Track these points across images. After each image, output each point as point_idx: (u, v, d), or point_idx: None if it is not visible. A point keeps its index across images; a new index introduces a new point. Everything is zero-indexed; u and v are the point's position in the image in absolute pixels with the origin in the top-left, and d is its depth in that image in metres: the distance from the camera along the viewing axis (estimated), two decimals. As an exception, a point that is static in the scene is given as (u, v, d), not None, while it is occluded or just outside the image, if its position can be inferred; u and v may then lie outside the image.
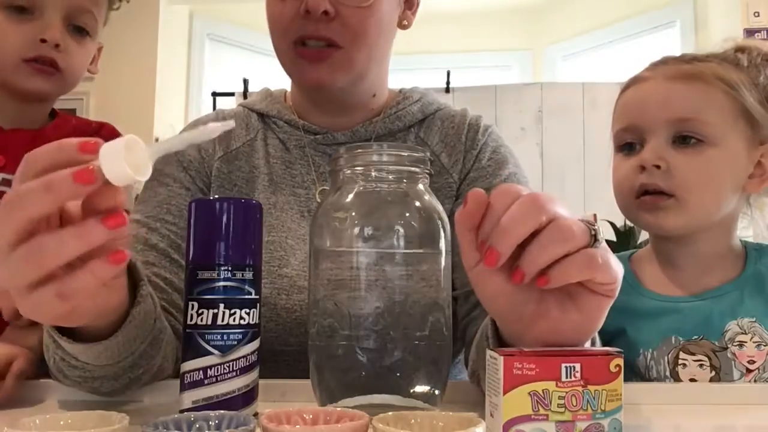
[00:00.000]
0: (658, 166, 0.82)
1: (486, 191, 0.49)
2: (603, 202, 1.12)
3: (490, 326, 0.57)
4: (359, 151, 0.59)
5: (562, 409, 0.47)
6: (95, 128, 1.09)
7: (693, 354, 0.82)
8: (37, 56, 0.99)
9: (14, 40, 0.98)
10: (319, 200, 0.88)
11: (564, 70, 4.12)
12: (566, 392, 0.47)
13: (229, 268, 0.54)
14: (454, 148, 0.89)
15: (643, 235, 0.97)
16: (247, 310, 0.54)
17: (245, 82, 3.29)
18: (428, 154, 0.60)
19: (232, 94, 3.33)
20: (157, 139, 3.20)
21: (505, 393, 0.46)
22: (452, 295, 0.61)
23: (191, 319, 0.53)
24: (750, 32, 3.13)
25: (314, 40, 0.81)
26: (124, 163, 0.43)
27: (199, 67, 3.93)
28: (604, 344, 0.60)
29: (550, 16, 4.20)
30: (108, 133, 1.09)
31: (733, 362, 0.81)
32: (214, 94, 3.44)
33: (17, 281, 0.45)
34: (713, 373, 0.81)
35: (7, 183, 0.97)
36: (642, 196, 0.84)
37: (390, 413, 0.47)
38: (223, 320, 0.53)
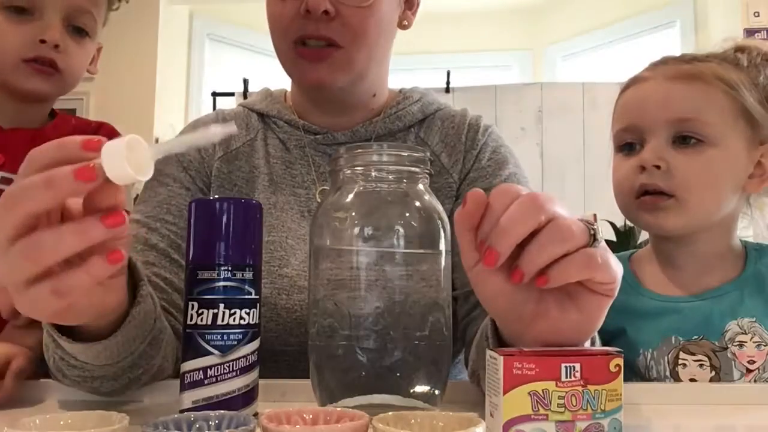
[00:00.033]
0: (658, 167, 0.82)
1: (486, 191, 0.49)
2: (603, 202, 1.12)
3: (489, 326, 0.57)
4: (359, 151, 0.59)
5: (562, 409, 0.47)
6: (94, 128, 1.09)
7: (693, 354, 0.82)
8: (36, 56, 0.99)
9: (14, 40, 0.98)
10: (319, 200, 0.88)
11: (564, 70, 4.12)
12: (566, 392, 0.47)
13: (229, 268, 0.54)
14: (454, 148, 0.89)
15: (643, 235, 0.97)
16: (247, 310, 0.54)
17: (245, 82, 3.29)
18: (428, 154, 0.60)
19: (232, 94, 3.33)
20: (157, 140, 3.21)
21: (505, 393, 0.46)
22: (452, 295, 0.61)
23: (191, 319, 0.53)
24: (750, 32, 3.13)
25: (314, 39, 0.81)
26: (125, 163, 0.43)
27: (199, 67, 3.93)
28: (604, 344, 0.60)
29: (550, 16, 4.20)
30: (107, 132, 1.09)
31: (733, 362, 0.81)
32: (214, 94, 3.44)
33: (15, 276, 0.45)
34: (713, 373, 0.81)
35: (7, 181, 0.97)
36: (642, 197, 0.84)
37: (390, 413, 0.47)
38: (223, 320, 0.53)
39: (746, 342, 0.82)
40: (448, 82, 3.27)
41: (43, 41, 0.98)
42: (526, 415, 0.46)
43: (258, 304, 0.56)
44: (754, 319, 0.82)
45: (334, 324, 0.56)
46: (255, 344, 0.55)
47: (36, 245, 0.44)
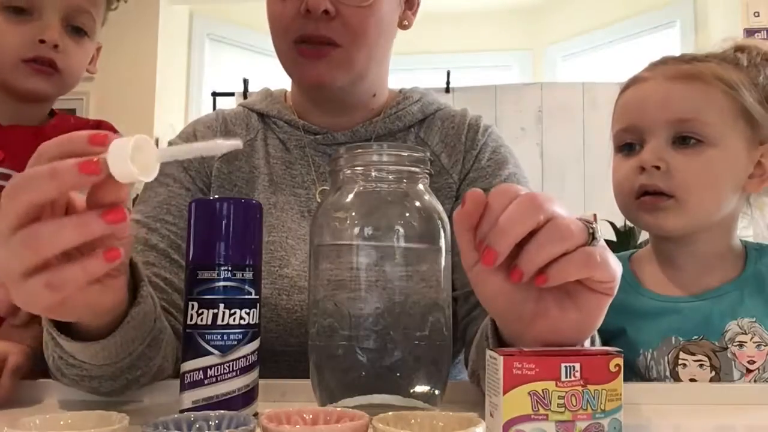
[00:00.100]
0: (657, 167, 0.82)
1: (485, 191, 0.50)
2: (603, 202, 1.12)
3: (489, 326, 0.57)
4: (359, 151, 0.59)
5: (562, 409, 0.47)
6: (93, 126, 1.10)
7: (693, 354, 0.82)
8: (35, 56, 0.99)
9: (13, 40, 0.98)
10: (319, 200, 0.88)
11: (564, 70, 4.12)
12: (566, 392, 0.47)
13: (229, 268, 0.54)
14: (454, 149, 0.89)
15: (643, 235, 0.97)
16: (247, 310, 0.54)
17: (245, 82, 3.29)
18: (428, 154, 0.60)
19: (232, 94, 3.34)
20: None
21: (504, 393, 0.46)
22: (452, 295, 0.61)
23: (191, 319, 0.53)
24: (750, 32, 3.13)
25: (314, 40, 0.81)
26: (130, 161, 0.44)
27: (199, 67, 3.93)
28: (603, 344, 0.60)
29: (550, 16, 4.20)
30: (106, 129, 1.09)
31: (733, 362, 0.81)
32: (214, 94, 3.44)
33: (14, 266, 0.46)
34: (713, 373, 0.81)
35: (6, 177, 0.97)
36: (642, 197, 0.84)
37: (390, 413, 0.47)
38: (223, 320, 0.53)
39: (746, 342, 0.82)
40: (448, 82, 3.27)
41: (42, 41, 0.99)
42: (526, 415, 0.46)
43: (258, 304, 0.56)
44: (754, 319, 0.82)
45: (334, 324, 0.56)
46: (255, 344, 0.55)
47: (36, 235, 0.44)
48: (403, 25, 0.91)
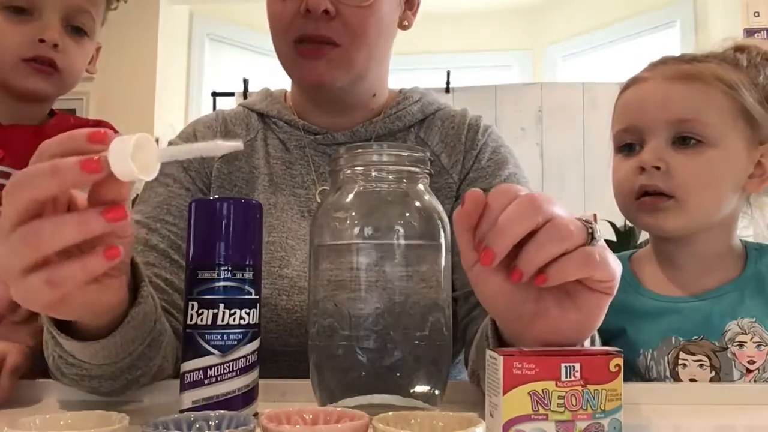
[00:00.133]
0: (657, 167, 0.82)
1: (485, 191, 0.50)
2: (603, 202, 1.12)
3: (490, 326, 0.57)
4: (359, 151, 0.59)
5: (562, 409, 0.47)
6: (93, 125, 1.10)
7: (693, 354, 0.82)
8: (35, 56, 0.99)
9: (13, 40, 0.98)
10: (319, 200, 0.88)
11: (564, 70, 4.12)
12: (566, 392, 0.47)
13: (229, 268, 0.54)
14: (454, 149, 0.89)
15: (643, 235, 0.97)
16: (247, 310, 0.54)
17: (245, 82, 3.29)
18: (428, 154, 0.60)
19: (232, 94, 3.34)
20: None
21: (504, 393, 0.46)
22: (452, 295, 0.61)
23: (191, 319, 0.53)
24: (750, 32, 3.13)
25: (314, 39, 0.81)
26: (130, 160, 0.44)
27: (199, 67, 3.93)
28: (603, 344, 0.60)
29: (550, 16, 4.20)
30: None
31: (733, 362, 0.81)
32: (214, 94, 3.45)
33: (14, 262, 0.46)
34: (713, 373, 0.81)
35: (6, 176, 0.97)
36: (642, 197, 0.84)
37: (390, 413, 0.47)
38: (223, 320, 0.53)
39: (746, 342, 0.82)
40: (448, 82, 3.27)
41: (42, 41, 0.99)
42: (526, 415, 0.46)
43: (258, 304, 0.56)
44: (754, 320, 0.82)
45: (334, 324, 0.56)
46: (255, 344, 0.55)
47: (36, 232, 0.45)
48: (403, 25, 0.91)
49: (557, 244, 0.47)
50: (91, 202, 0.48)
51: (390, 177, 0.58)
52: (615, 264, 0.50)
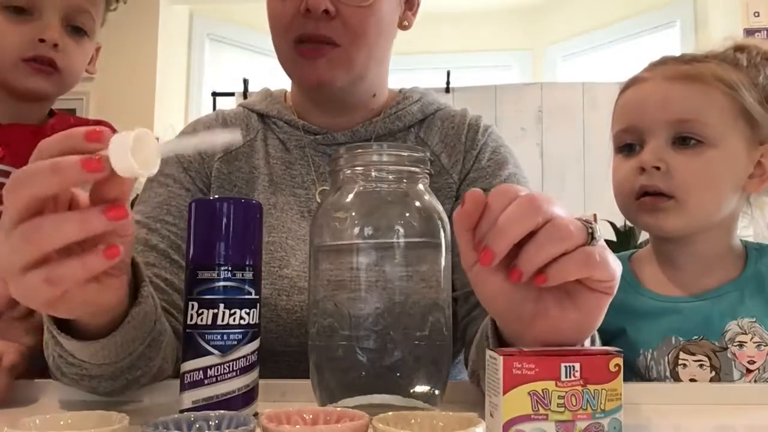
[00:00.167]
0: (657, 168, 0.82)
1: (485, 191, 0.50)
2: (603, 202, 1.12)
3: (490, 326, 0.57)
4: (359, 151, 0.59)
5: (562, 409, 0.47)
6: (92, 126, 1.10)
7: (693, 354, 0.82)
8: (35, 56, 1.00)
9: (13, 39, 0.99)
10: (319, 200, 0.88)
11: (564, 70, 4.12)
12: (566, 392, 0.47)
13: (229, 268, 0.54)
14: (454, 149, 0.89)
15: (643, 235, 0.97)
16: (247, 310, 0.54)
17: (245, 82, 3.29)
18: (428, 154, 0.60)
19: (232, 94, 3.34)
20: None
21: (504, 393, 0.46)
22: (452, 295, 0.61)
23: (191, 319, 0.53)
24: (750, 32, 3.13)
25: (314, 39, 0.81)
26: (131, 156, 0.44)
27: (199, 67, 3.93)
28: (603, 344, 0.60)
29: (550, 16, 4.20)
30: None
31: (733, 362, 0.81)
32: (214, 94, 3.44)
33: (14, 259, 0.46)
34: (713, 373, 0.81)
35: (6, 174, 0.97)
36: (642, 198, 0.84)
37: (390, 413, 0.47)
38: (223, 320, 0.53)
39: (746, 342, 0.82)
40: (448, 82, 3.27)
41: (42, 40, 0.99)
42: (526, 415, 0.46)
43: (258, 304, 0.56)
44: (754, 320, 0.82)
45: (334, 324, 0.56)
46: (255, 344, 0.55)
47: (37, 229, 0.45)
48: (403, 25, 0.91)
49: (557, 244, 0.47)
50: (93, 200, 0.48)
51: (390, 177, 0.58)
52: (615, 264, 0.50)
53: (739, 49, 0.88)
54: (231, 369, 0.53)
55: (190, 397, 0.53)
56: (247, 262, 0.55)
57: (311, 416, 0.48)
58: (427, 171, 0.60)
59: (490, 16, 4.20)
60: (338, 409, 0.48)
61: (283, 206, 0.87)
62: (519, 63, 4.31)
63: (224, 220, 0.55)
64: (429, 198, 0.59)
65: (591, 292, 0.50)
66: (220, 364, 0.53)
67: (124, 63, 3.18)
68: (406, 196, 0.58)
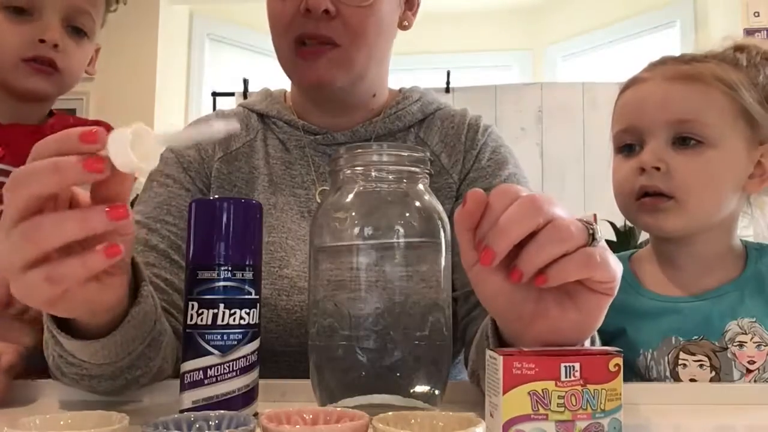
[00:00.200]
0: (657, 168, 0.82)
1: (486, 191, 0.50)
2: (603, 202, 1.12)
3: (490, 326, 0.57)
4: (359, 151, 0.59)
5: (562, 409, 0.47)
6: (92, 126, 1.10)
7: (693, 354, 0.82)
8: (36, 56, 1.00)
9: (13, 40, 0.99)
10: (319, 200, 0.88)
11: (564, 70, 4.12)
12: (566, 392, 0.47)
13: (229, 268, 0.54)
14: (453, 148, 0.89)
15: (643, 235, 0.97)
16: (247, 310, 0.54)
17: (245, 82, 3.29)
18: (428, 154, 0.60)
19: (232, 94, 3.34)
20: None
21: (504, 393, 0.46)
22: (452, 295, 0.61)
23: (191, 319, 0.53)
24: (750, 32, 3.13)
25: (314, 39, 0.81)
26: (130, 150, 0.44)
27: (199, 67, 3.93)
28: (603, 344, 0.60)
29: (550, 16, 4.20)
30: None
31: (733, 362, 0.81)
32: (214, 94, 3.44)
33: (14, 258, 0.46)
34: (713, 373, 0.81)
35: (6, 174, 0.97)
36: (642, 198, 0.84)
37: (390, 413, 0.47)
38: (223, 320, 0.53)
39: (746, 342, 0.82)
40: (448, 82, 3.27)
41: (42, 41, 1.00)
42: (525, 415, 0.46)
43: (258, 304, 0.56)
44: (754, 320, 0.82)
45: (334, 324, 0.56)
46: (255, 344, 0.55)
47: (37, 227, 0.45)
48: (403, 25, 0.91)
49: (558, 245, 0.47)
50: (93, 199, 0.48)
51: (390, 177, 0.58)
52: (616, 265, 0.50)
53: (738, 48, 0.88)
54: (231, 369, 0.53)
55: (190, 397, 0.53)
56: (247, 262, 0.55)
57: (311, 416, 0.48)
58: (427, 171, 0.60)
59: (490, 16, 4.20)
60: (338, 409, 0.48)
61: (283, 206, 0.87)
62: (519, 63, 4.31)
63: (224, 220, 0.55)
64: (429, 198, 0.59)
65: (591, 293, 0.50)
66: (220, 364, 0.53)
67: (124, 63, 3.18)
68: (406, 196, 0.58)
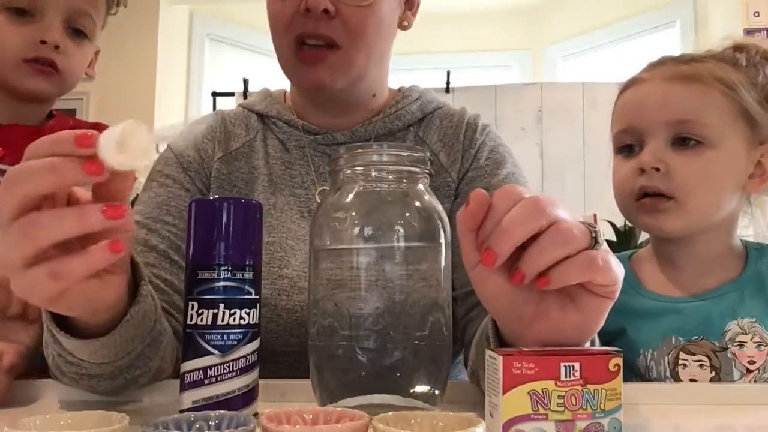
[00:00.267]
0: (657, 169, 0.82)
1: (486, 191, 0.50)
2: (603, 202, 1.12)
3: (490, 326, 0.57)
4: (359, 151, 0.59)
5: (562, 409, 0.47)
6: (91, 128, 1.10)
7: (693, 354, 0.82)
8: (37, 57, 1.01)
9: (14, 40, 0.99)
10: (318, 200, 0.88)
11: (564, 70, 4.12)
12: (565, 391, 0.47)
13: (229, 268, 0.54)
14: (452, 147, 0.90)
15: (644, 235, 0.97)
16: (247, 310, 0.54)
17: (245, 82, 3.29)
18: (428, 154, 0.60)
19: (232, 94, 3.34)
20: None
21: (504, 393, 0.46)
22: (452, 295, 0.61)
23: (191, 319, 0.53)
24: (750, 32, 3.13)
25: (314, 38, 0.81)
26: (118, 149, 0.44)
27: (199, 67, 3.93)
28: (604, 344, 0.60)
29: (550, 16, 4.20)
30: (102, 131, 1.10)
31: (733, 362, 0.81)
32: (214, 94, 3.44)
33: (12, 255, 0.46)
34: (713, 373, 0.81)
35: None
36: (642, 199, 0.84)
37: (390, 413, 0.47)
38: (223, 320, 0.53)
39: (746, 342, 0.82)
40: (448, 82, 3.27)
41: (43, 42, 1.00)
42: (525, 415, 0.46)
43: (258, 304, 0.56)
44: (754, 320, 0.82)
45: (334, 324, 0.56)
46: (255, 344, 0.55)
47: (34, 223, 0.45)
48: (403, 25, 0.91)
49: (560, 247, 0.48)
50: (94, 197, 0.48)
51: (390, 177, 0.58)
52: (617, 268, 0.50)
53: (738, 48, 0.88)
54: (231, 369, 0.53)
55: (190, 397, 0.53)
56: (247, 262, 0.55)
57: (311, 416, 0.48)
58: (427, 171, 0.60)
59: (490, 16, 4.20)
60: (338, 409, 0.48)
61: (282, 206, 0.87)
62: (519, 63, 4.31)
63: (224, 220, 0.55)
64: (429, 198, 0.59)
65: (593, 295, 0.50)
66: (220, 364, 0.53)
67: (124, 63, 3.18)
68: (406, 196, 0.58)
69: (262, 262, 0.58)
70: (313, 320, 0.58)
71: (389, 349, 0.55)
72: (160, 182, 0.86)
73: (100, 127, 1.08)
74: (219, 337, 0.53)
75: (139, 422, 0.44)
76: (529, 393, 0.47)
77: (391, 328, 0.55)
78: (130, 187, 0.49)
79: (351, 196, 0.58)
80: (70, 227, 0.45)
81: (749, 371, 0.81)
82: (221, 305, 0.53)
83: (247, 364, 0.54)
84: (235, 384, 0.53)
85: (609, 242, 0.51)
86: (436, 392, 0.57)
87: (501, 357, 0.47)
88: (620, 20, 3.81)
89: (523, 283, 0.49)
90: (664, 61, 0.89)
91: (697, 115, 0.82)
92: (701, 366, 0.82)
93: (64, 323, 0.57)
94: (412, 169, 0.59)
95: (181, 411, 0.52)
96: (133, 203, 0.87)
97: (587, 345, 0.55)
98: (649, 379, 0.83)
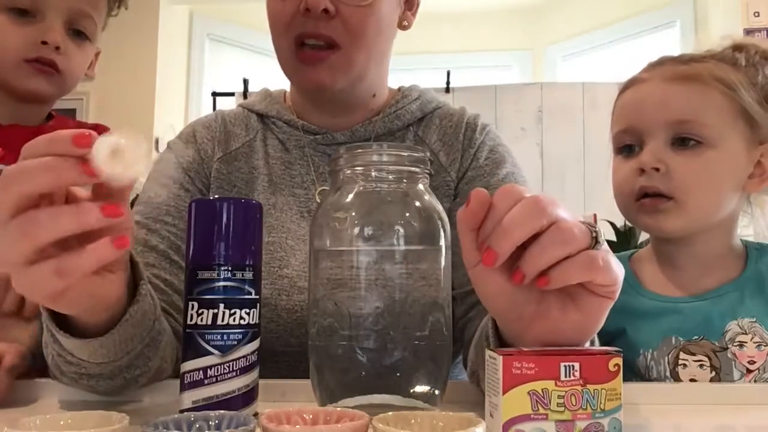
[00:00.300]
0: (657, 169, 0.82)
1: (486, 190, 0.50)
2: (603, 202, 1.12)
3: (490, 326, 0.57)
4: (359, 151, 0.59)
5: (562, 409, 0.47)
6: (90, 129, 1.10)
7: (693, 354, 0.82)
8: (37, 57, 1.01)
9: (15, 41, 1.00)
10: (318, 200, 0.88)
11: (564, 70, 4.12)
12: (565, 391, 0.47)
13: (229, 268, 0.54)
14: (452, 147, 0.90)
15: (644, 235, 0.97)
16: (247, 310, 0.54)
17: (245, 82, 3.29)
18: (428, 153, 0.60)
19: (232, 94, 3.34)
20: (157, 140, 3.21)
21: (504, 393, 0.46)
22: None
23: (191, 319, 0.53)
24: (750, 32, 3.13)
25: (314, 38, 0.81)
26: (106, 164, 0.45)
27: (199, 67, 3.93)
28: (604, 344, 0.60)
29: (550, 16, 4.20)
30: (102, 133, 1.10)
31: (733, 362, 0.81)
32: (214, 94, 3.45)
33: (11, 253, 0.46)
34: (713, 373, 0.81)
35: None
36: (642, 199, 0.84)
37: (390, 413, 0.47)
38: (223, 320, 0.53)
39: (746, 342, 0.82)
40: (448, 82, 3.27)
41: (44, 43, 1.00)
42: (525, 415, 0.46)
43: (258, 304, 0.56)
44: (754, 320, 0.82)
45: (334, 324, 0.56)
46: (255, 344, 0.55)
47: (32, 221, 0.45)
48: (403, 25, 0.91)
49: (560, 247, 0.48)
50: (94, 196, 0.49)
51: (390, 177, 0.58)
52: (618, 269, 0.50)
53: (737, 48, 0.88)
54: (231, 369, 0.53)
55: (190, 397, 0.53)
56: (247, 262, 0.55)
57: (311, 416, 0.48)
58: (427, 171, 0.60)
59: (490, 16, 4.20)
60: (338, 409, 0.48)
61: (282, 206, 0.87)
62: (519, 63, 4.31)
63: (224, 220, 0.55)
64: (429, 198, 0.59)
65: (593, 295, 0.50)
66: (220, 364, 0.53)
67: (124, 63, 3.18)
68: (406, 196, 0.58)
69: (262, 262, 0.58)
70: (313, 320, 0.58)
71: (389, 348, 0.55)
72: (160, 182, 0.86)
73: (99, 129, 1.08)
74: (219, 337, 0.53)
75: (139, 422, 0.44)
76: (529, 393, 0.47)
77: (391, 328, 0.55)
78: (131, 187, 0.49)
79: (351, 196, 0.58)
80: (69, 224, 0.45)
81: (749, 371, 0.81)
82: (221, 305, 0.53)
83: (247, 364, 0.54)
84: (235, 384, 0.53)
85: (609, 242, 0.51)
86: (436, 392, 0.57)
87: (501, 357, 0.47)
88: (620, 20, 3.81)
89: (524, 283, 0.49)
90: (663, 62, 0.89)
91: (696, 115, 0.82)
92: (701, 366, 0.82)
93: (63, 323, 0.57)
94: (412, 169, 0.59)
95: (181, 411, 0.52)
96: (133, 203, 0.87)
97: (587, 345, 0.55)
98: (649, 379, 0.83)
